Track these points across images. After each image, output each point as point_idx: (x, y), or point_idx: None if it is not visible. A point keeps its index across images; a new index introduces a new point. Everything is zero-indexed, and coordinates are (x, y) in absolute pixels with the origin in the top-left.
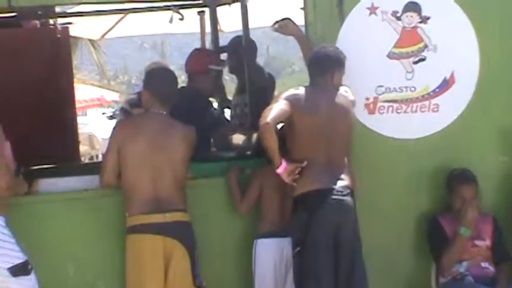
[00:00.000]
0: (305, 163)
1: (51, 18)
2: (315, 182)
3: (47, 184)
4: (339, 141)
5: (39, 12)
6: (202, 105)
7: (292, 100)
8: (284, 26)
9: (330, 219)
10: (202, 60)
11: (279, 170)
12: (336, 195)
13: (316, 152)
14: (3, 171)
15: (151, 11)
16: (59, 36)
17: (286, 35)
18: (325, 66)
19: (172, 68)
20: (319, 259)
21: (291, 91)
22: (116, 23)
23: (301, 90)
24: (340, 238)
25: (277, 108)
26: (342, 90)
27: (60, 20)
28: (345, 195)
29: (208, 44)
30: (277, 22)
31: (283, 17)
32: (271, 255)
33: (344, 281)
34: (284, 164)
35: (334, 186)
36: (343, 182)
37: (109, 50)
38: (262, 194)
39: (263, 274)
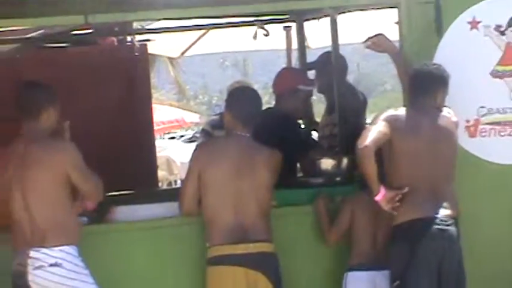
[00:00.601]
0: (406, 189)
1: (129, 35)
2: (417, 210)
3: (123, 211)
4: (442, 166)
5: (116, 29)
6: (289, 127)
7: (392, 121)
8: (377, 42)
9: (434, 251)
10: (290, 80)
11: (378, 197)
12: (439, 224)
13: (418, 178)
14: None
15: (234, 26)
16: (136, 54)
17: (379, 52)
18: (429, 85)
19: (255, 87)
20: None
21: (390, 112)
22: (197, 40)
23: (402, 111)
24: (445, 270)
25: (376, 130)
26: (445, 111)
27: (138, 37)
28: (449, 225)
29: (294, 61)
30: (369, 38)
31: (376, 33)
32: None
33: None
34: (383, 190)
35: (437, 215)
36: (446, 211)
37: (188, 68)
38: (353, 223)
39: None
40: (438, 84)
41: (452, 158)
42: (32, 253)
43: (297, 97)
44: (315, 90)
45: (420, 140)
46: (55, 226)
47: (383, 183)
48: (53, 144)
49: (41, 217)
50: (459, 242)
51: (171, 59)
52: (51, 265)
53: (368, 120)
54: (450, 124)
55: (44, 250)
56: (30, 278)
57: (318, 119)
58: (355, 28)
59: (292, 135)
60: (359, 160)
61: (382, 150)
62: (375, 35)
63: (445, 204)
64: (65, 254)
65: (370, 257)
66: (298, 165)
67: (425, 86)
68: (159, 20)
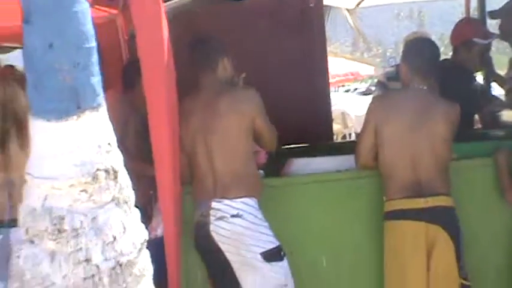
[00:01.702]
0: None
1: None
2: None
3: (299, 164)
4: None
5: None
6: (464, 79)
7: None
8: None
9: None
10: (465, 32)
11: None
12: None
13: None
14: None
15: None
16: (311, 5)
17: None
18: None
19: (432, 38)
20: None
21: None
22: None
23: None
24: None
25: None
26: None
27: None
28: None
29: (472, 11)
30: None
31: None
32: None
33: None
34: None
35: None
36: None
37: (362, 20)
38: None
39: None
40: None
41: None
42: (214, 204)
43: (472, 49)
44: (495, 42)
45: None
46: (237, 178)
47: None
48: (239, 92)
49: (224, 168)
50: None
51: (348, 10)
52: (232, 216)
53: None
54: None
55: (226, 201)
56: (211, 228)
57: (500, 71)
58: None
59: (467, 87)
60: None
61: None
62: None
63: None
64: (246, 205)
65: None
66: (475, 117)
67: None
68: None
